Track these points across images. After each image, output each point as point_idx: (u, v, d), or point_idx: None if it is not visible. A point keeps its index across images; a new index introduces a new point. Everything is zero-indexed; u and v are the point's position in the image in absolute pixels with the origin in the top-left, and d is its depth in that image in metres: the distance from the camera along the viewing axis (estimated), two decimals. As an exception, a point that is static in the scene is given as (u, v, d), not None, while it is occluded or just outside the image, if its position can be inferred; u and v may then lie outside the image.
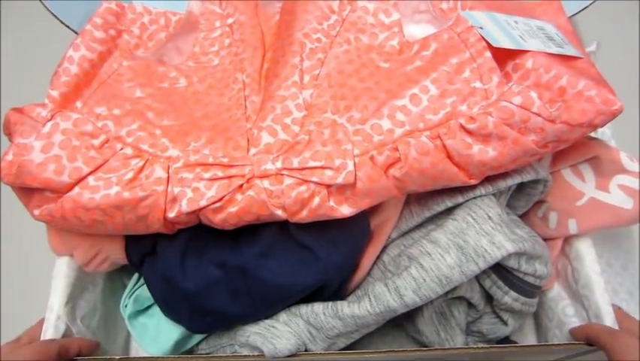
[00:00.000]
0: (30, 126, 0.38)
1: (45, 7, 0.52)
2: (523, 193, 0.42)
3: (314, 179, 0.35)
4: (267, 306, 0.39)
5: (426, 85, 0.36)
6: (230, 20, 0.46)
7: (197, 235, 0.39)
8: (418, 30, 0.42)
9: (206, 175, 0.35)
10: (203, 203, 0.35)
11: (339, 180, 0.34)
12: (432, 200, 0.40)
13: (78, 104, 0.40)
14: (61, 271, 0.42)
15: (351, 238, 0.38)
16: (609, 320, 0.40)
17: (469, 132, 0.34)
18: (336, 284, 0.39)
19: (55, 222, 0.38)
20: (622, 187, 0.41)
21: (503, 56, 0.37)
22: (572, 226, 0.42)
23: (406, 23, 0.42)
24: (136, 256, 0.41)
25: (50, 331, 0.40)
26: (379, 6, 0.43)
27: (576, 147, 0.42)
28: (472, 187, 0.38)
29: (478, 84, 0.36)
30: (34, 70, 0.44)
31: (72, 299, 0.42)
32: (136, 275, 0.45)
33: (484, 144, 0.34)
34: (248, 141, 0.38)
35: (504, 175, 0.38)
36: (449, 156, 0.35)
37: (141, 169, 0.36)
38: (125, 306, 0.45)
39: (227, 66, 0.44)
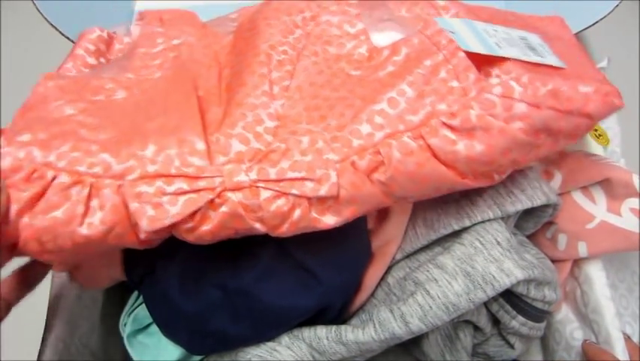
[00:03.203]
0: None
1: (36, 8, 0.51)
2: (532, 215, 0.41)
3: (294, 191, 0.32)
4: (267, 328, 0.38)
5: (402, 88, 0.35)
6: (175, 41, 0.42)
7: (196, 254, 0.38)
8: (383, 38, 0.41)
9: (170, 189, 0.31)
10: (167, 221, 0.31)
11: (322, 192, 0.32)
12: (438, 222, 0.39)
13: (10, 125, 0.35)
14: (60, 289, 0.41)
15: (353, 260, 0.38)
16: (619, 346, 0.39)
17: (452, 128, 0.33)
18: (338, 306, 0.39)
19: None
20: (634, 211, 0.40)
21: (478, 65, 0.36)
22: (582, 249, 0.41)
23: (370, 33, 0.41)
24: (135, 275, 0.40)
25: (49, 350, 0.39)
26: (343, 18, 0.41)
27: (587, 169, 0.41)
28: (480, 211, 0.37)
29: (455, 83, 0.34)
30: (34, 70, 0.44)
31: (71, 318, 0.42)
32: (135, 293, 0.44)
33: (469, 138, 0.33)
34: (207, 145, 0.33)
35: (513, 200, 0.37)
36: (435, 155, 0.33)
37: (88, 198, 0.31)
38: (125, 325, 0.44)
39: (172, 76, 0.39)
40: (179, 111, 0.35)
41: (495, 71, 0.35)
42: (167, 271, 0.39)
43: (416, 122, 0.33)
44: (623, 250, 0.41)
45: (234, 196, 0.32)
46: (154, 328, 0.43)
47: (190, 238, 0.33)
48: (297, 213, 0.32)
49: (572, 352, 0.43)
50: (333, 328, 0.38)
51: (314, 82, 0.38)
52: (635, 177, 0.40)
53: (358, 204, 0.34)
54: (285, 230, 0.33)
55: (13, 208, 0.31)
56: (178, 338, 0.40)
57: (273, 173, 0.32)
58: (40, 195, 0.31)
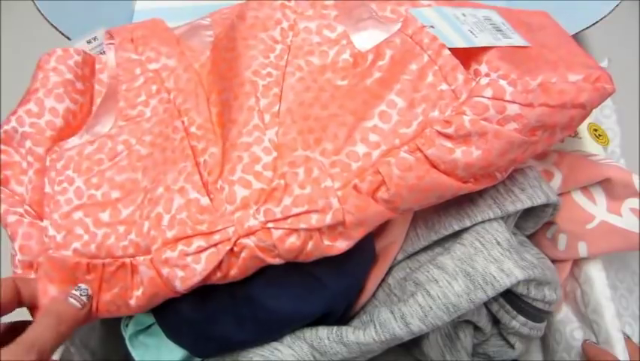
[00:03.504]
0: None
1: (36, 7, 0.51)
2: (532, 215, 0.41)
3: (302, 226, 0.33)
4: (271, 333, 0.39)
5: (392, 99, 0.35)
6: (153, 65, 0.42)
7: None
8: (364, 38, 0.40)
9: (190, 249, 0.34)
10: (197, 278, 0.34)
11: (328, 220, 0.33)
12: (439, 223, 0.39)
13: (44, 222, 0.38)
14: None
15: (358, 265, 0.38)
16: (619, 347, 0.39)
17: (447, 137, 0.33)
18: (341, 310, 0.39)
19: None
20: (634, 211, 0.40)
21: (467, 59, 0.36)
22: (582, 249, 0.41)
23: (351, 34, 0.40)
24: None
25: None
26: (321, 22, 0.41)
27: (587, 169, 0.41)
28: (480, 211, 0.37)
29: (444, 86, 0.34)
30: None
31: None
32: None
33: (465, 145, 0.33)
34: (210, 197, 0.35)
35: (513, 199, 0.37)
36: (434, 166, 0.33)
37: (132, 276, 0.36)
38: (126, 326, 0.44)
39: (162, 115, 0.40)
40: (176, 165, 0.37)
41: (483, 67, 0.35)
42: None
43: (410, 134, 0.34)
44: (623, 249, 0.41)
45: (250, 241, 0.34)
46: (156, 328, 0.43)
47: (224, 281, 0.35)
48: (310, 245, 0.34)
49: (572, 352, 0.42)
50: (334, 328, 0.38)
51: (302, 101, 0.38)
52: (635, 177, 0.40)
53: (366, 225, 0.35)
54: (302, 259, 0.35)
55: (90, 290, 0.36)
56: (182, 341, 0.40)
57: (278, 212, 0.34)
58: (100, 279, 0.36)
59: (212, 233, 0.34)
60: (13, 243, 0.38)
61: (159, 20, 0.46)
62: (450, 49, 0.35)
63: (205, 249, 0.34)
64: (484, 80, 0.33)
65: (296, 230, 0.33)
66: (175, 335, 0.40)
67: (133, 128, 0.40)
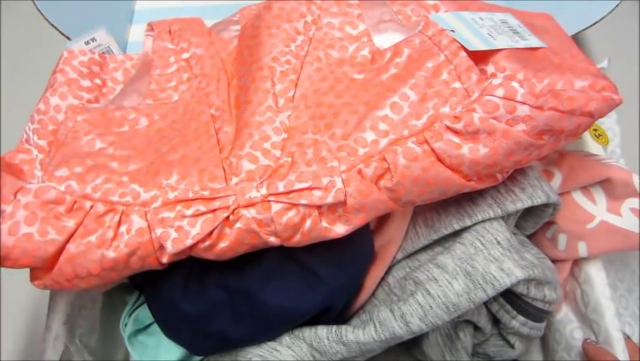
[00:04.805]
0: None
1: (36, 7, 0.51)
2: (532, 215, 0.41)
3: (302, 201, 0.33)
4: (269, 329, 0.38)
5: (405, 92, 0.35)
6: (185, 55, 0.44)
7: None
8: (384, 39, 0.41)
9: (188, 212, 0.34)
10: (189, 242, 0.33)
11: (329, 199, 0.33)
12: (439, 222, 0.39)
13: (37, 172, 0.38)
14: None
15: (356, 260, 0.38)
16: (619, 347, 0.39)
17: (455, 132, 0.33)
18: (340, 306, 0.39)
19: (62, 288, 0.37)
20: (634, 211, 0.40)
21: (475, 60, 0.36)
22: (582, 249, 0.41)
23: (372, 34, 0.41)
24: (138, 276, 0.40)
25: (49, 351, 0.39)
26: (344, 19, 0.42)
27: (587, 169, 0.41)
28: (481, 210, 0.37)
29: (457, 84, 0.34)
30: (35, 70, 0.44)
31: (70, 318, 0.41)
32: (136, 293, 0.44)
33: (473, 141, 0.33)
34: (224, 170, 0.36)
35: (514, 199, 0.37)
36: (440, 160, 0.33)
37: (118, 224, 0.34)
38: (125, 325, 0.44)
39: (190, 100, 0.42)
40: (198, 141, 0.38)
41: (489, 67, 0.36)
42: (171, 272, 0.38)
43: (420, 127, 0.34)
44: (623, 249, 0.41)
45: (248, 213, 0.34)
46: (155, 328, 0.43)
47: (210, 255, 0.35)
48: (308, 223, 0.34)
49: (572, 352, 0.42)
50: (334, 328, 0.38)
51: (318, 89, 0.38)
52: (635, 177, 0.40)
53: (367, 212, 0.34)
54: (297, 240, 0.34)
55: (58, 238, 0.34)
56: (179, 338, 0.40)
57: (281, 186, 0.33)
58: (79, 224, 0.35)
59: (212, 199, 0.34)
60: None
61: (197, 18, 0.48)
62: (467, 51, 0.35)
63: (202, 213, 0.34)
64: (496, 81, 0.33)
65: (295, 205, 0.33)
66: (173, 332, 0.40)
67: (159, 106, 0.42)
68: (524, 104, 0.32)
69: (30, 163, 0.40)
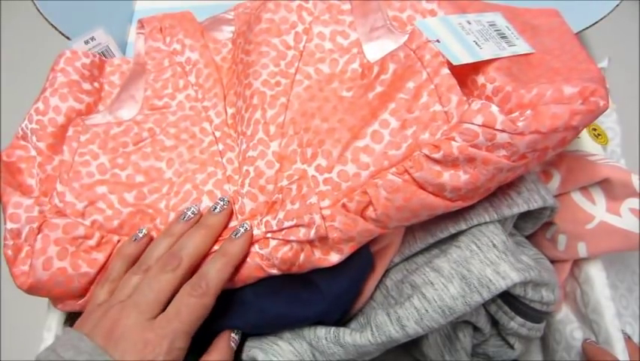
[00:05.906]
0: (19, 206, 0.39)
1: (36, 7, 0.51)
2: (530, 216, 0.41)
3: (292, 238, 0.35)
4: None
5: (385, 118, 0.35)
6: (179, 58, 0.44)
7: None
8: (375, 48, 0.41)
9: None
10: None
11: (312, 235, 0.34)
12: (435, 226, 0.38)
13: (58, 186, 0.40)
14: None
15: (353, 269, 0.37)
16: (619, 347, 0.39)
17: (435, 161, 0.33)
18: (338, 315, 0.39)
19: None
20: (633, 211, 0.40)
21: (461, 73, 0.36)
22: (582, 250, 0.41)
23: (363, 42, 0.41)
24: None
25: (49, 352, 0.40)
26: (335, 29, 0.41)
27: (586, 169, 0.41)
28: (477, 214, 0.37)
29: (437, 107, 0.34)
30: (34, 70, 0.44)
31: (70, 319, 0.42)
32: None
33: (454, 168, 0.33)
34: (232, 206, 0.38)
35: (509, 203, 0.37)
36: (422, 187, 0.34)
37: None
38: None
39: (188, 112, 0.43)
40: (205, 172, 0.40)
41: (480, 78, 0.35)
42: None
43: (400, 156, 0.34)
44: (622, 250, 0.41)
45: (253, 248, 0.36)
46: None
47: (226, 286, 0.37)
48: (301, 257, 0.36)
49: (572, 352, 0.42)
50: (332, 329, 0.38)
51: (305, 111, 0.39)
52: (634, 177, 0.40)
53: (357, 240, 0.35)
54: (295, 271, 0.36)
55: (90, 271, 0.38)
56: None
57: (274, 224, 0.36)
58: (108, 257, 0.38)
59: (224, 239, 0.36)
60: (4, 212, 0.39)
61: (187, 12, 0.48)
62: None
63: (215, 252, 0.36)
64: (475, 105, 0.33)
65: (288, 241, 0.35)
66: None
67: (158, 118, 0.43)
68: (503, 131, 0.32)
69: (27, 161, 0.40)
